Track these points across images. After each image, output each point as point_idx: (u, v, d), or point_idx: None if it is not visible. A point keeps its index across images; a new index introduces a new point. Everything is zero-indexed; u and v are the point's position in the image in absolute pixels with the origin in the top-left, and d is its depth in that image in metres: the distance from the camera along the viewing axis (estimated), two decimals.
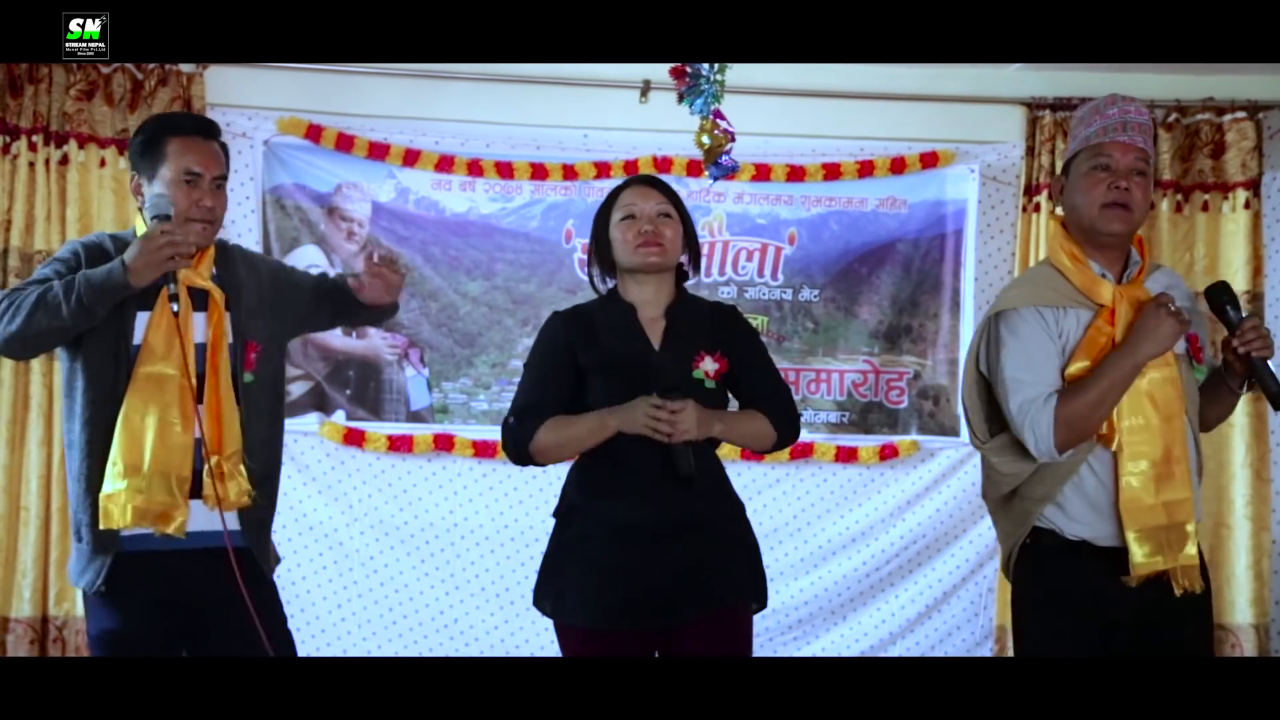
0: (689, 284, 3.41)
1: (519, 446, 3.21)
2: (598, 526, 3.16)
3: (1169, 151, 5.54)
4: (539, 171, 5.46)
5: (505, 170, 5.45)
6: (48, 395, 5.14)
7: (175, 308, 3.06)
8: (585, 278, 5.43)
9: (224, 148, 3.29)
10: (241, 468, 3.16)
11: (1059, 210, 3.26)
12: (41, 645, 5.14)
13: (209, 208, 3.18)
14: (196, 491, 3.11)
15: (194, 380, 3.09)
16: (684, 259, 3.34)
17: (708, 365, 3.21)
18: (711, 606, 3.14)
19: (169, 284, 3.06)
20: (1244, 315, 3.10)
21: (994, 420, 3.18)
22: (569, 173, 5.47)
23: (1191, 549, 3.06)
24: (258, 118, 5.31)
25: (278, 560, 3.34)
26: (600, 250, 3.33)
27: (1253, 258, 5.51)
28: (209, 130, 3.27)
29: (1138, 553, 3.02)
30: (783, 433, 3.30)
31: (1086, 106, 3.23)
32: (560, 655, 3.23)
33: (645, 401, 3.07)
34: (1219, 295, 3.11)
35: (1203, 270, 5.54)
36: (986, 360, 3.15)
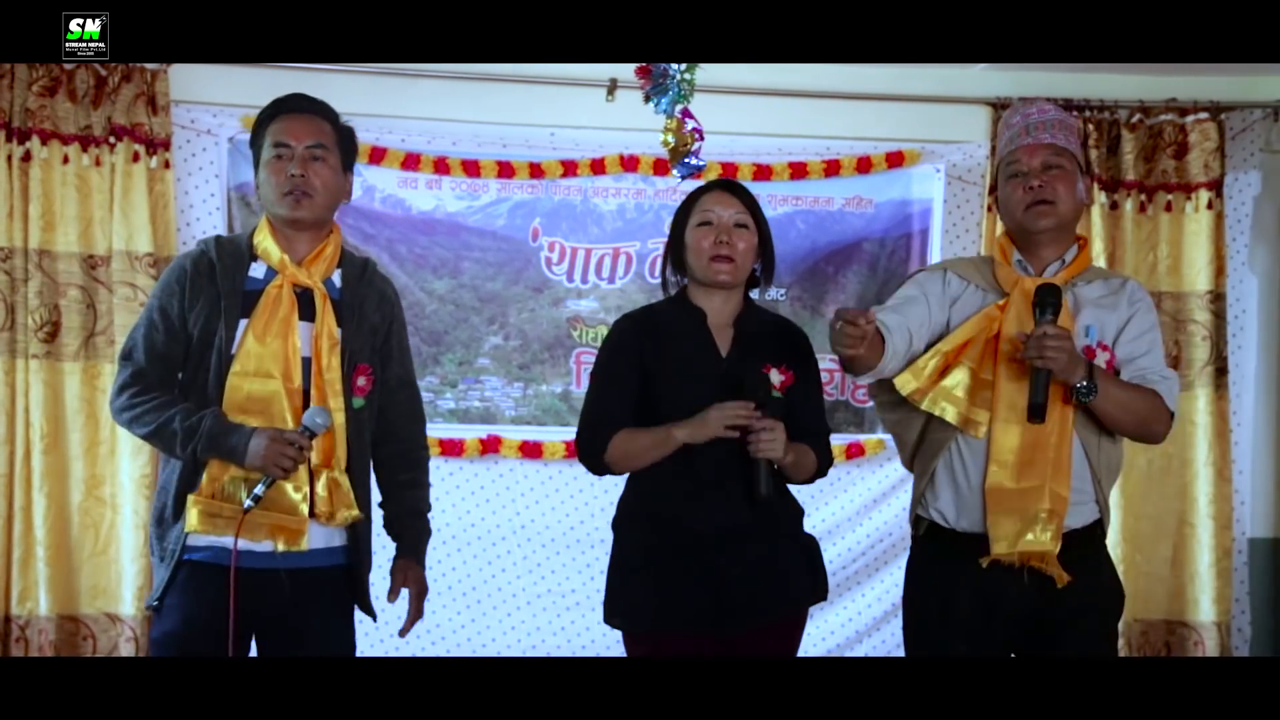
0: None
1: (594, 458, 3.23)
2: (661, 534, 3.17)
3: (1132, 152, 5.57)
4: (505, 170, 5.44)
5: (472, 168, 5.43)
6: (9, 394, 5.10)
7: (248, 504, 2.90)
8: (552, 276, 5.48)
9: (334, 122, 3.15)
10: (348, 481, 3.02)
11: (994, 205, 3.39)
12: (4, 645, 5.10)
13: (297, 176, 3.02)
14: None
15: (297, 386, 2.96)
16: (757, 267, 3.34)
17: (774, 377, 3.17)
18: (778, 613, 3.20)
19: (264, 482, 2.90)
20: (1048, 323, 3.02)
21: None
22: (535, 171, 5.46)
23: (1043, 535, 3.10)
24: (222, 114, 5.27)
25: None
26: (675, 250, 3.32)
27: (1215, 258, 5.55)
28: (305, 105, 3.15)
29: (992, 537, 3.12)
30: (822, 470, 3.35)
31: (1001, 121, 3.34)
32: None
33: (720, 408, 3.07)
34: (1042, 297, 3.07)
35: (1166, 270, 5.58)
36: None
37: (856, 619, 5.58)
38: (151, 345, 3.00)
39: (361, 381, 3.05)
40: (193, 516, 2.91)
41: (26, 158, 5.13)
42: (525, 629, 5.37)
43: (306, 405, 2.95)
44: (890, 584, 5.58)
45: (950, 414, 3.18)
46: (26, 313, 5.10)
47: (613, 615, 3.24)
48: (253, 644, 3.09)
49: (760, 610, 3.15)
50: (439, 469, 5.40)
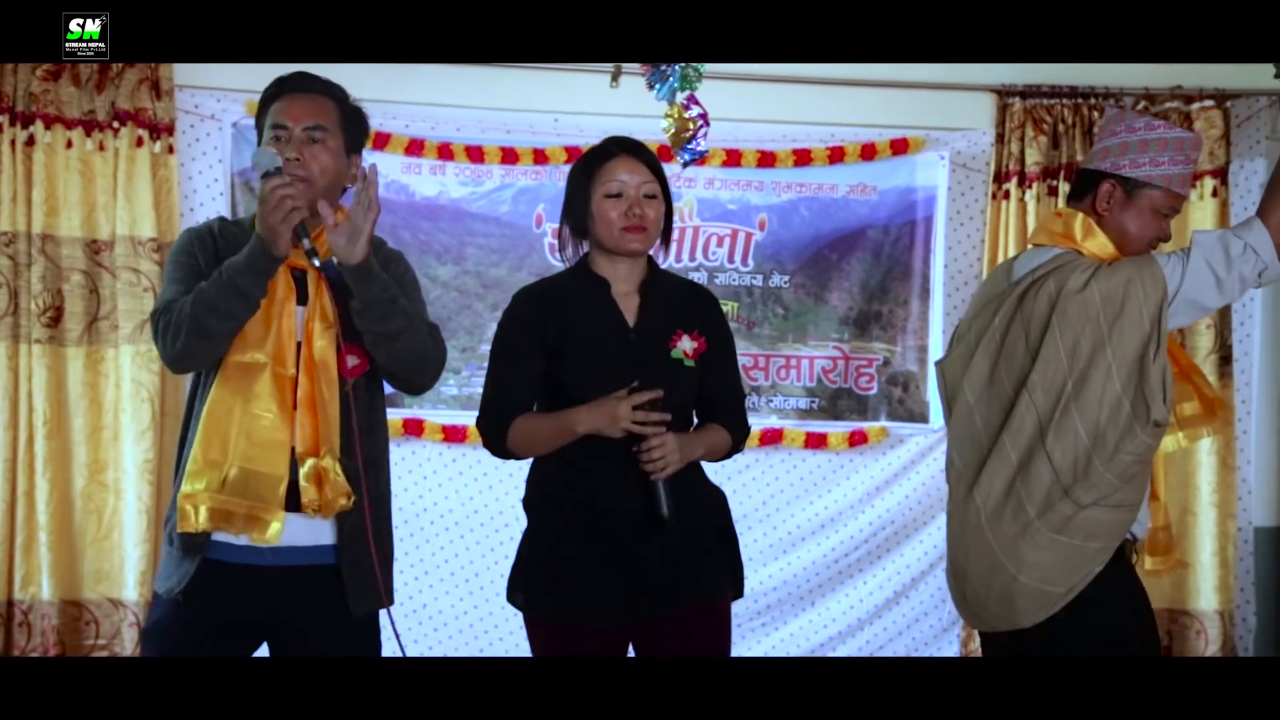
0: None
1: (495, 445, 3.11)
2: (568, 517, 3.05)
3: None
4: (509, 155, 5.44)
5: (475, 154, 5.43)
6: (13, 379, 5.11)
7: (317, 262, 2.81)
8: (556, 263, 5.46)
9: (341, 101, 3.04)
10: (339, 467, 2.84)
11: (1104, 207, 3.14)
12: (7, 630, 5.12)
13: (293, 159, 2.89)
14: (292, 503, 2.82)
15: (289, 372, 2.84)
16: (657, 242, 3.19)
17: (685, 345, 3.08)
18: (690, 600, 3.04)
19: (302, 239, 2.78)
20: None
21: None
22: (539, 157, 5.46)
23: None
24: (226, 99, 5.27)
25: (390, 600, 2.95)
26: (576, 218, 3.14)
27: None
28: (308, 84, 3.04)
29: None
30: (737, 444, 3.22)
31: (1171, 131, 3.15)
32: (530, 652, 3.14)
33: (621, 403, 2.93)
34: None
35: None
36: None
37: (858, 606, 5.58)
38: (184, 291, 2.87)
39: (354, 361, 2.91)
40: (182, 516, 2.80)
41: (30, 142, 5.13)
42: None
43: (296, 391, 2.85)
44: (893, 571, 5.59)
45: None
46: (30, 297, 5.10)
47: (514, 593, 3.11)
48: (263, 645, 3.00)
49: (667, 598, 3.01)
50: (442, 455, 5.44)
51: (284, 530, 2.81)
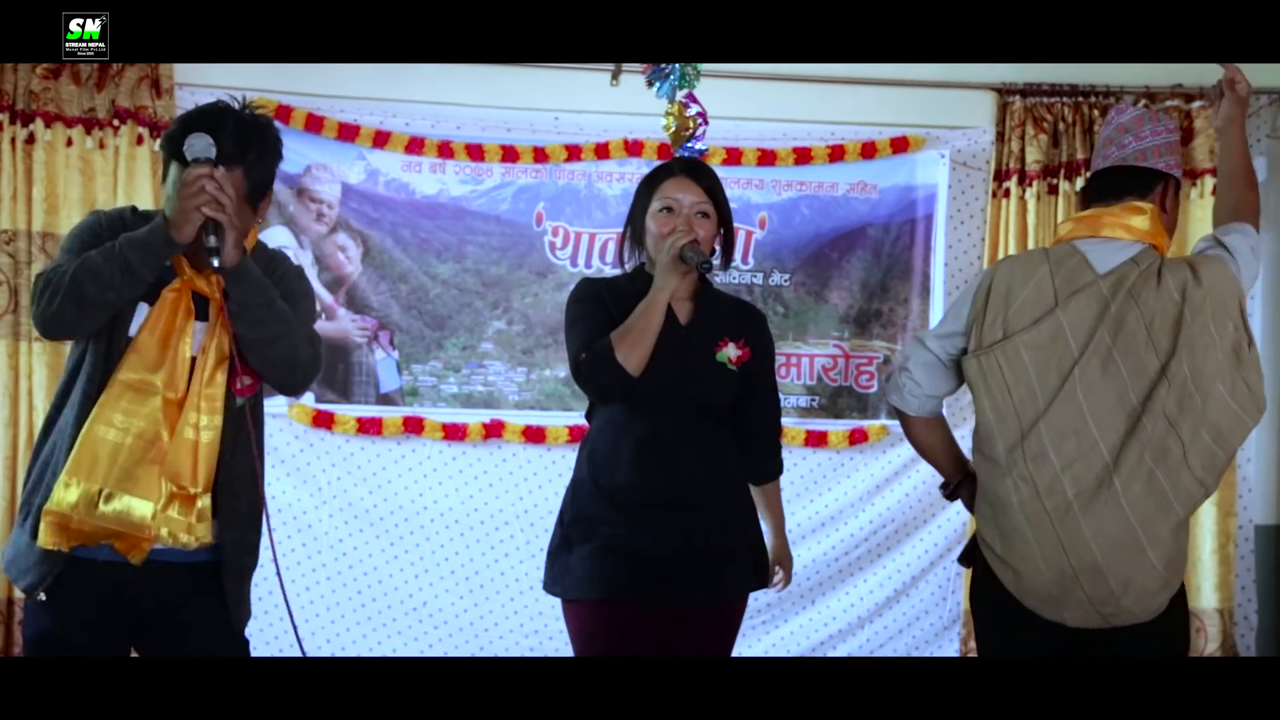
0: None
1: (604, 364, 3.15)
2: (602, 500, 3.20)
3: None
4: (510, 154, 5.44)
5: (476, 152, 5.43)
6: (13, 376, 5.11)
7: (216, 262, 2.73)
8: (557, 261, 5.47)
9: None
10: (209, 507, 2.85)
11: (1171, 205, 3.24)
12: (7, 628, 5.13)
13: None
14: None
15: (179, 396, 2.82)
16: (717, 250, 3.38)
17: (730, 351, 3.26)
18: (718, 597, 3.24)
19: (208, 236, 2.72)
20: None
21: None
22: (540, 155, 5.46)
23: None
24: (226, 98, 5.26)
25: (248, 616, 3.02)
26: (634, 228, 3.35)
27: None
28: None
29: None
30: (779, 469, 3.49)
31: (1176, 134, 3.26)
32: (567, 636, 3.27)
33: (662, 242, 3.18)
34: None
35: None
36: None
37: (859, 604, 5.58)
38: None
39: (246, 381, 2.92)
40: (43, 530, 2.77)
41: (30, 140, 5.14)
42: (528, 614, 5.37)
43: (180, 414, 2.83)
44: (893, 570, 5.59)
45: None
46: (30, 295, 5.10)
47: (548, 584, 3.29)
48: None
49: (695, 590, 3.18)
50: (441, 453, 5.44)
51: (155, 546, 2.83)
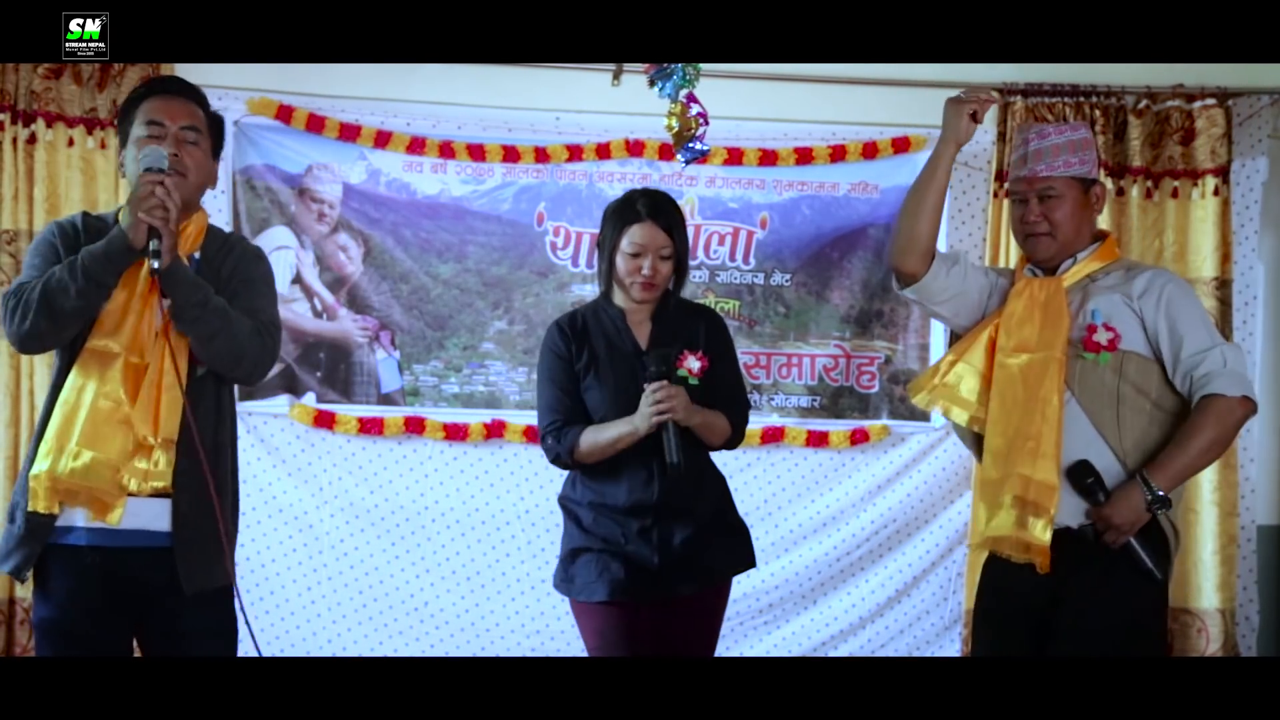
0: None
1: (564, 458, 3.59)
2: (595, 511, 3.59)
3: (1139, 138, 5.55)
4: (511, 154, 5.44)
5: (477, 152, 5.43)
6: (14, 376, 5.11)
7: (155, 265, 2.89)
8: (558, 261, 5.47)
9: (203, 107, 3.19)
10: (170, 456, 2.99)
11: None
12: (9, 626, 5.14)
13: (171, 155, 3.02)
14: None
15: (144, 361, 2.99)
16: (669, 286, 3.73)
17: (691, 364, 3.57)
18: (703, 584, 3.59)
19: (151, 240, 2.89)
20: (1104, 500, 3.22)
21: None
22: (541, 155, 5.46)
23: (1036, 528, 3.23)
24: (228, 98, 5.25)
25: (227, 579, 3.07)
26: (604, 259, 3.69)
27: (1221, 244, 5.52)
28: (179, 87, 3.20)
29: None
30: (735, 432, 3.69)
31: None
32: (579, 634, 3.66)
33: (645, 399, 3.45)
34: (1081, 477, 3.23)
35: (1172, 257, 5.56)
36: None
37: (860, 604, 5.58)
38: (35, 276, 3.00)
39: None
40: (31, 495, 2.95)
41: (32, 140, 5.14)
42: (529, 614, 5.37)
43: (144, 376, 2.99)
44: (894, 570, 5.58)
45: (959, 416, 3.45)
46: None
47: (559, 584, 3.68)
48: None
49: (683, 581, 3.55)
50: (442, 453, 5.44)
51: (126, 514, 2.97)
